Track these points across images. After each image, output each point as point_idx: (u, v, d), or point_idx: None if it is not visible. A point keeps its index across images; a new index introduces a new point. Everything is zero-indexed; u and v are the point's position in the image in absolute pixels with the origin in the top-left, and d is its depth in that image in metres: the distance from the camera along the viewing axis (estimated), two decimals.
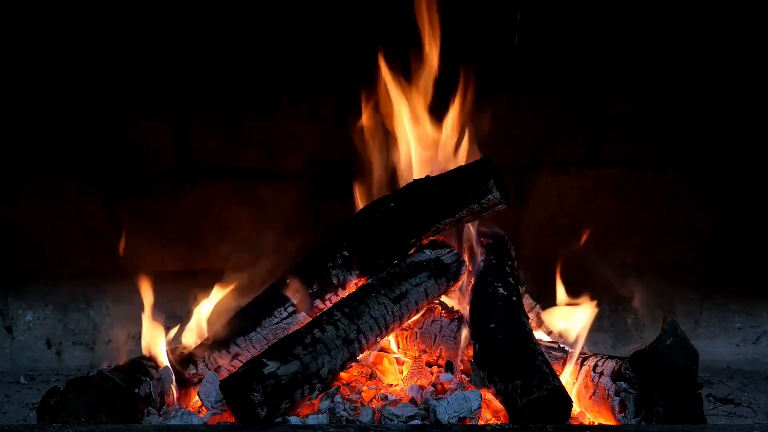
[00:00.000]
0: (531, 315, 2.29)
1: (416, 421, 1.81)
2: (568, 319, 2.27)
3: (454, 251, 2.20)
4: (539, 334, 2.27)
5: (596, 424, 1.90)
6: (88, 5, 2.80)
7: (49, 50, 2.85)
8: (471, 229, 2.34)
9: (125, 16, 2.84)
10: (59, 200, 2.93)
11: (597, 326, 2.99)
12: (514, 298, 2.12)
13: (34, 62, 2.86)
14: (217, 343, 2.16)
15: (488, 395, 1.91)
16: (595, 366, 1.97)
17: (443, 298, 2.26)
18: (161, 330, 2.19)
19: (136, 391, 1.93)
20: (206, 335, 2.25)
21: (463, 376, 2.08)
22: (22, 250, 2.95)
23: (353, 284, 2.19)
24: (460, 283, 2.23)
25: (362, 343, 1.98)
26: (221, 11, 2.85)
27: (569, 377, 2.02)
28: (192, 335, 2.26)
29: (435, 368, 2.17)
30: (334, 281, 2.18)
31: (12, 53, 2.84)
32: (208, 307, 2.30)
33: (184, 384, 2.13)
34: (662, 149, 3.00)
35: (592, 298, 2.33)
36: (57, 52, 2.85)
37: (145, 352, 2.14)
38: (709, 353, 2.91)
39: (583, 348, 2.16)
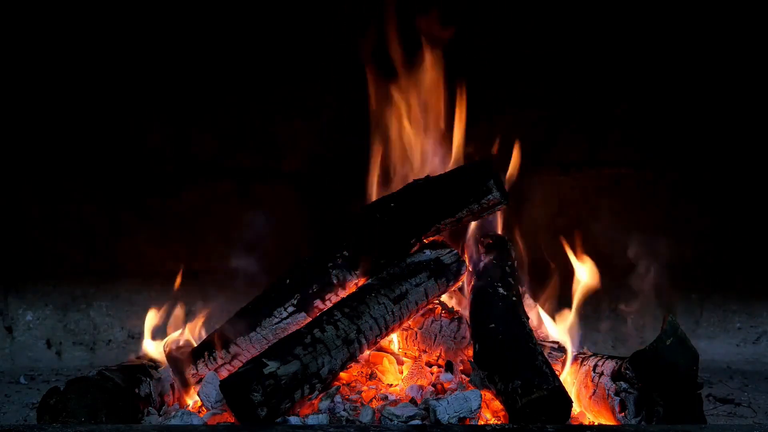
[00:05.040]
0: (531, 315, 2.29)
1: (416, 421, 1.81)
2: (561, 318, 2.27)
3: (454, 251, 2.20)
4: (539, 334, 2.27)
5: (596, 424, 1.90)
6: (91, 12, 2.81)
7: (51, 52, 2.86)
8: (471, 229, 2.34)
9: (126, 19, 2.84)
10: (59, 200, 2.93)
11: (597, 326, 3.00)
12: (514, 298, 2.12)
13: (38, 65, 2.86)
14: (216, 343, 2.15)
15: (488, 395, 1.91)
16: (595, 366, 1.97)
17: (443, 298, 2.26)
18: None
19: (136, 391, 1.93)
20: (205, 336, 2.25)
21: (463, 376, 2.08)
22: (22, 250, 2.95)
23: (353, 284, 2.19)
24: (460, 283, 2.23)
25: (362, 343, 1.98)
26: (224, 14, 2.86)
27: (569, 377, 2.02)
28: (192, 335, 2.27)
29: (435, 368, 2.17)
30: (334, 281, 2.18)
31: (17, 57, 2.85)
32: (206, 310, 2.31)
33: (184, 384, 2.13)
34: (662, 149, 3.00)
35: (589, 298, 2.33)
36: (59, 54, 2.86)
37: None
38: (709, 353, 2.91)
39: (583, 348, 2.16)
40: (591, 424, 1.91)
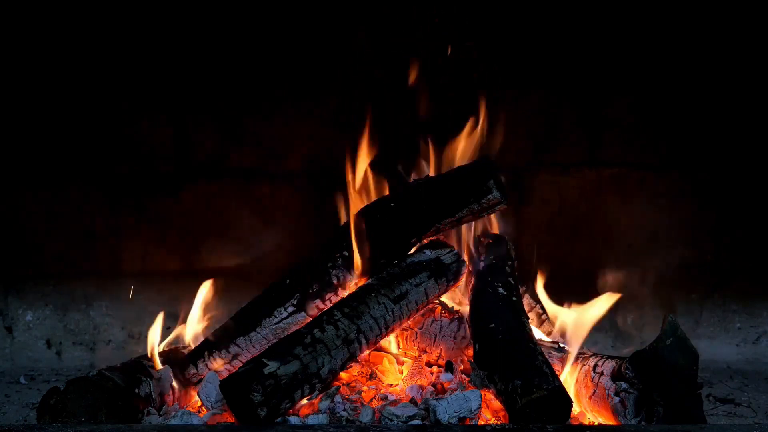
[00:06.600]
0: (531, 315, 2.29)
1: (416, 421, 1.81)
2: (571, 318, 2.26)
3: (454, 251, 2.20)
4: (539, 334, 2.27)
5: (596, 424, 1.90)
6: (91, 11, 2.81)
7: (50, 50, 2.86)
8: (471, 229, 2.34)
9: (126, 18, 2.84)
10: (59, 200, 2.93)
11: (597, 326, 2.99)
12: (514, 298, 2.12)
13: (35, 62, 2.86)
14: (216, 343, 2.16)
15: (488, 395, 1.91)
16: (595, 366, 1.96)
17: (443, 298, 2.26)
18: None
19: (136, 391, 1.93)
20: (205, 335, 2.25)
21: (463, 376, 2.08)
22: (22, 250, 2.95)
23: (353, 284, 2.19)
24: (460, 283, 2.23)
25: (362, 343, 1.98)
26: (223, 13, 2.86)
27: (569, 377, 2.02)
28: (192, 335, 2.27)
29: (435, 368, 2.17)
30: (334, 281, 2.18)
31: (14, 54, 2.85)
32: (204, 307, 2.30)
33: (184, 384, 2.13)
34: (662, 149, 3.00)
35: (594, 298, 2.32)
36: (58, 52, 2.86)
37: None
38: (709, 353, 2.91)
39: (583, 348, 2.16)
40: (591, 424, 1.91)
